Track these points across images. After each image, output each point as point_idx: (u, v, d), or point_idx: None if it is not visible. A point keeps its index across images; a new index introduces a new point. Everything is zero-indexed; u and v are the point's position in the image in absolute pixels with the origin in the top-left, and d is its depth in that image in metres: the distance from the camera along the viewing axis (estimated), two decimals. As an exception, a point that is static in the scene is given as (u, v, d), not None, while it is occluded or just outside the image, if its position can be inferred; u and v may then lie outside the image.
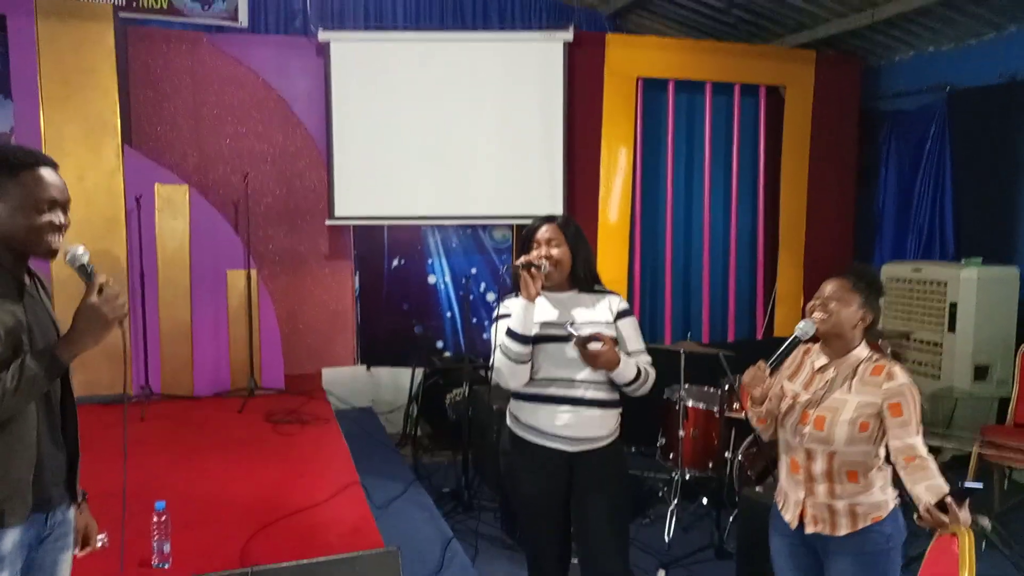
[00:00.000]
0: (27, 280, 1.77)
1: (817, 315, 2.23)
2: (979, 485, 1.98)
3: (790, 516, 2.28)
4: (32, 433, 1.69)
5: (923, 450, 2.10)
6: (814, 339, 2.27)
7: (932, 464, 2.07)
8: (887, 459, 2.19)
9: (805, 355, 2.35)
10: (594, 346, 2.36)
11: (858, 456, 2.16)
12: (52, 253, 1.72)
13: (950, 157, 5.70)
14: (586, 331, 2.42)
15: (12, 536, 1.68)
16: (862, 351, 2.24)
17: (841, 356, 2.24)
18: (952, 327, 5.18)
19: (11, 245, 1.69)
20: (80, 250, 1.72)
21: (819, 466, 2.20)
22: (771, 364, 2.25)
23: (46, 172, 1.70)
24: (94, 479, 1.90)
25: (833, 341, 2.25)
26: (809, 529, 2.23)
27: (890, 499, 2.20)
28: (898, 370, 2.17)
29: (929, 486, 2.01)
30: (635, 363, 2.46)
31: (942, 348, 5.26)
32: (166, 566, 2.87)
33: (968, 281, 5.10)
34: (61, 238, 1.72)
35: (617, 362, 2.39)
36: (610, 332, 2.48)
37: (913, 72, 6.09)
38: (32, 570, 1.79)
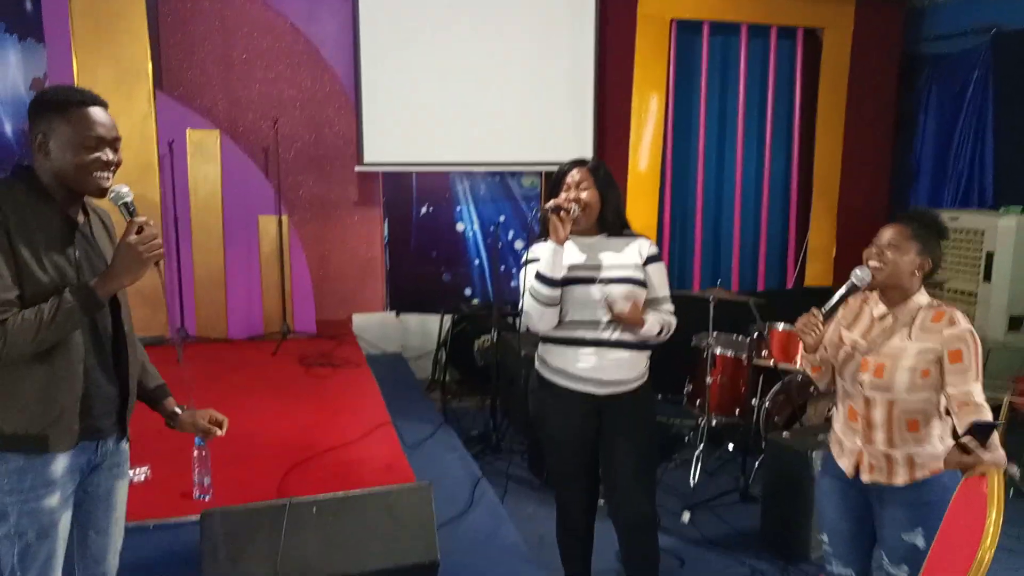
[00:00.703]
0: (81, 219, 1.81)
1: (873, 263, 2.18)
2: (994, 422, 1.95)
3: (847, 464, 2.26)
4: (79, 364, 1.74)
5: (979, 397, 2.05)
6: (871, 287, 2.22)
7: (986, 411, 2.03)
8: (948, 411, 2.16)
9: (864, 303, 2.31)
10: (620, 307, 2.38)
11: (919, 404, 2.13)
12: (102, 191, 1.75)
13: (992, 102, 5.54)
14: (615, 274, 2.45)
15: (62, 461, 1.75)
16: (922, 297, 2.19)
17: (900, 304, 2.19)
18: (988, 277, 5.10)
19: (63, 182, 1.73)
20: (124, 189, 1.77)
21: (879, 414, 2.18)
22: (825, 312, 2.21)
23: (94, 111, 1.73)
24: (136, 416, 1.96)
25: (891, 289, 2.20)
26: (865, 478, 2.21)
27: None
28: (960, 316, 2.12)
29: (972, 422, 1.95)
30: (658, 320, 2.47)
31: (976, 298, 5.19)
32: (207, 498, 2.98)
33: (1007, 229, 5.00)
34: (111, 176, 1.76)
35: (641, 323, 2.41)
36: (638, 275, 2.49)
37: (957, 14, 5.88)
38: (88, 496, 1.87)
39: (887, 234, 2.19)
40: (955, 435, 2.12)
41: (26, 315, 1.62)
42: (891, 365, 2.15)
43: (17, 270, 1.64)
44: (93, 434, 1.81)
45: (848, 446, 2.27)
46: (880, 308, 2.25)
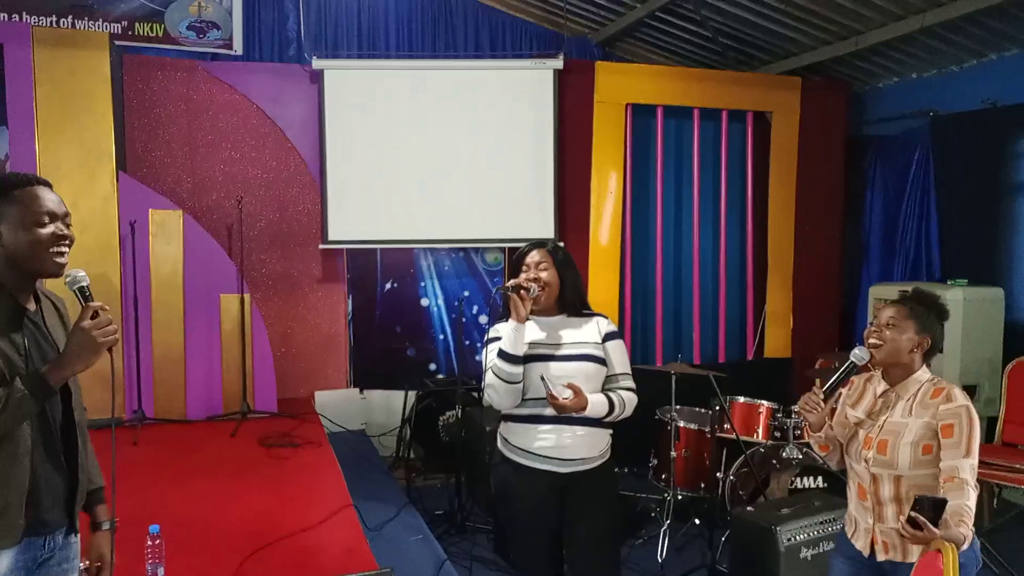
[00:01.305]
0: (32, 306, 1.79)
1: (871, 341, 2.23)
2: (943, 498, 1.99)
3: (862, 544, 2.27)
4: (25, 456, 1.69)
5: (965, 472, 2.07)
6: (872, 365, 2.27)
7: (969, 489, 2.05)
8: None
9: (867, 382, 2.36)
10: (559, 393, 2.37)
11: (925, 480, 2.15)
12: (59, 268, 1.74)
13: (934, 180, 5.80)
14: (574, 351, 2.50)
15: (6, 557, 1.69)
16: (923, 374, 2.24)
17: (901, 381, 2.24)
18: (940, 348, 5.24)
19: (16, 264, 1.71)
20: (80, 274, 1.77)
21: (886, 491, 2.20)
22: (825, 390, 2.26)
23: (40, 188, 1.74)
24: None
25: (892, 367, 2.25)
26: (881, 556, 2.22)
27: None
28: (957, 392, 2.16)
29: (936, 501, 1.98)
30: (606, 399, 2.48)
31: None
32: (160, 590, 2.86)
33: (954, 302, 5.16)
34: (66, 252, 1.75)
35: (584, 408, 2.40)
36: (598, 352, 2.53)
37: (897, 97, 6.22)
38: None
39: (886, 313, 2.25)
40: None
41: None
42: (893, 441, 2.18)
43: None
44: (40, 528, 1.75)
45: (862, 525, 2.28)
46: (882, 385, 2.30)
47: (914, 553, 2.16)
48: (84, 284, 1.76)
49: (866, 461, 2.24)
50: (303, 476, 4.33)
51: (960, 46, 5.38)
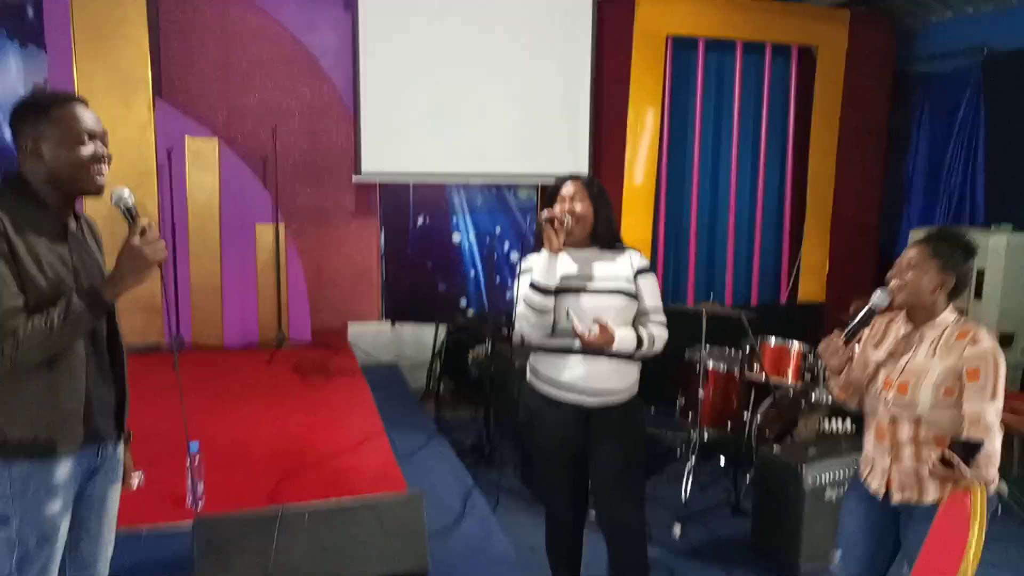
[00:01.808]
0: (73, 224, 1.82)
1: (893, 283, 2.19)
2: (978, 440, 1.97)
3: (877, 484, 2.27)
4: (81, 369, 1.76)
5: (991, 416, 2.05)
6: (893, 307, 2.23)
7: (994, 433, 2.03)
8: None
9: (890, 323, 2.32)
10: (587, 328, 2.37)
11: (944, 422, 2.13)
12: (99, 187, 1.76)
13: (984, 122, 5.61)
14: (606, 286, 2.49)
15: (65, 466, 1.76)
16: (948, 315, 2.18)
17: (925, 322, 2.19)
18: (979, 293, 5.14)
19: (58, 184, 1.73)
20: (126, 192, 1.78)
21: (905, 432, 2.19)
22: (846, 334, 2.24)
23: (78, 107, 1.74)
24: (131, 422, 1.98)
25: (915, 309, 2.21)
26: (896, 498, 2.22)
27: None
28: (984, 334, 2.11)
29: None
30: (634, 334, 2.48)
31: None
32: (200, 505, 2.98)
33: (997, 247, 5.05)
34: (106, 170, 1.77)
35: (610, 342, 2.40)
36: (629, 287, 2.53)
37: (950, 34, 5.96)
38: (83, 501, 1.87)
39: (908, 254, 2.20)
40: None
41: (35, 322, 1.63)
42: (914, 383, 2.15)
43: (20, 279, 1.64)
44: (95, 437, 1.83)
45: (879, 465, 2.28)
46: (906, 326, 2.26)
47: (930, 494, 2.16)
48: (131, 203, 1.78)
49: (886, 402, 2.22)
50: (337, 403, 4.44)
51: (1022, -21, 5.12)
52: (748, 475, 4.11)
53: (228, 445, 3.64)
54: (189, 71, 5.72)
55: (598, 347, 2.41)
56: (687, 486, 4.15)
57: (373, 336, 6.19)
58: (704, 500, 4.10)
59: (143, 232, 1.70)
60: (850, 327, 2.25)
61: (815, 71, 6.19)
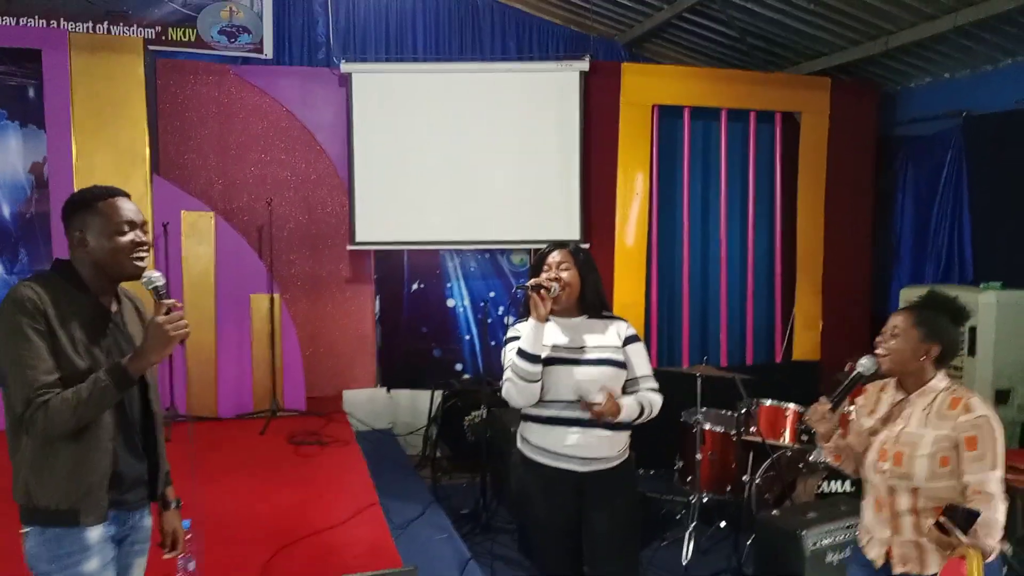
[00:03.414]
0: (115, 307, 1.97)
1: (879, 351, 2.20)
2: (976, 511, 1.95)
3: (875, 555, 2.24)
4: (108, 442, 1.87)
5: (993, 486, 2.02)
6: (883, 375, 2.24)
7: (997, 503, 2.01)
8: None
9: (882, 391, 2.31)
10: (596, 400, 2.40)
11: (943, 492, 2.09)
12: (138, 271, 1.92)
13: (967, 182, 5.71)
14: (597, 356, 2.51)
15: (96, 532, 1.86)
16: (939, 382, 2.18)
17: (916, 389, 2.19)
18: (972, 351, 5.16)
19: (102, 270, 1.90)
20: (156, 274, 1.92)
21: (903, 503, 2.16)
22: (833, 401, 2.24)
23: (120, 200, 1.91)
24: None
25: (904, 376, 2.21)
26: (897, 570, 2.17)
27: None
28: (976, 402, 2.10)
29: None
30: (637, 403, 2.51)
31: (963, 372, 5.23)
32: (191, 583, 2.93)
33: (987, 305, 5.08)
34: (146, 255, 1.93)
35: (618, 413, 2.44)
36: (619, 356, 2.55)
37: (929, 98, 6.13)
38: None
39: (892, 322, 2.20)
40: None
41: (65, 395, 1.75)
42: (909, 453, 2.13)
43: (56, 356, 1.78)
44: (122, 505, 1.93)
45: (878, 537, 2.24)
46: (898, 394, 2.25)
47: (932, 565, 2.12)
48: (159, 284, 1.90)
49: (882, 473, 2.19)
50: (330, 474, 4.40)
51: (994, 45, 5.29)
52: (749, 540, 4.05)
53: (221, 520, 3.59)
54: (186, 147, 5.85)
55: (606, 417, 2.42)
56: (688, 551, 4.09)
57: (368, 402, 6.16)
58: (706, 565, 4.03)
59: (168, 311, 1.83)
60: (836, 394, 2.26)
61: (799, 136, 6.33)
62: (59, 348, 1.78)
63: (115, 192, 1.92)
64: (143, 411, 1.99)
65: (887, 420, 2.25)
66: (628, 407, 2.48)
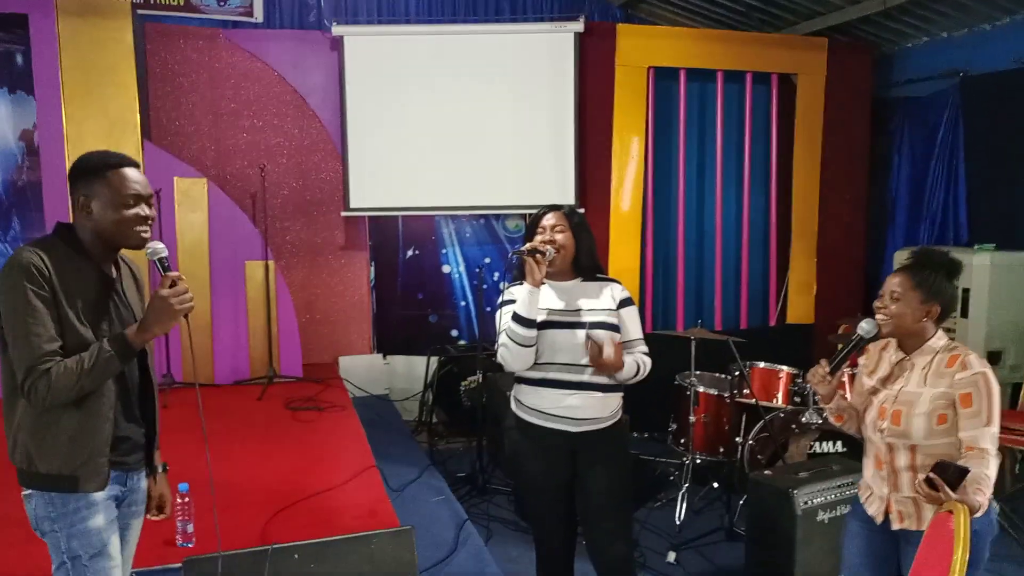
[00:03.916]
0: (114, 272, 1.96)
1: (879, 316, 2.21)
2: (963, 467, 1.98)
3: (874, 510, 2.28)
4: (109, 410, 1.88)
5: (986, 442, 2.06)
6: (883, 337, 2.25)
7: (990, 459, 2.05)
8: None
9: (883, 350, 2.33)
10: (607, 352, 2.44)
11: (941, 448, 2.13)
12: (141, 243, 1.90)
13: (963, 143, 5.69)
14: (592, 319, 2.52)
15: (100, 495, 1.89)
16: (937, 341, 2.20)
17: (916, 349, 2.21)
18: (964, 313, 5.18)
19: (104, 238, 1.88)
20: (160, 246, 1.91)
21: (902, 460, 2.19)
22: (832, 364, 2.26)
23: (129, 171, 1.89)
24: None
25: (905, 336, 2.23)
26: (895, 525, 2.22)
27: None
28: (973, 359, 2.12)
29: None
30: (633, 362, 2.55)
31: (955, 334, 5.27)
32: (190, 545, 2.97)
33: (981, 267, 5.09)
34: (149, 228, 1.91)
35: (621, 366, 2.48)
36: (613, 319, 2.56)
37: (926, 58, 6.07)
38: None
39: (891, 284, 2.21)
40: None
41: (68, 364, 1.76)
42: (907, 412, 2.16)
43: (59, 323, 1.78)
44: (122, 468, 1.96)
45: (877, 493, 2.28)
46: (898, 353, 2.27)
47: (929, 519, 2.16)
48: (163, 255, 1.89)
49: (881, 431, 2.22)
50: (328, 438, 4.43)
51: (992, 3, 5.22)
52: (741, 500, 4.11)
53: (219, 484, 3.60)
54: (177, 113, 5.79)
55: (610, 370, 2.46)
56: (681, 512, 4.16)
57: (365, 369, 6.19)
58: (698, 526, 4.10)
59: (172, 284, 1.82)
60: (837, 357, 2.28)
61: (796, 97, 6.29)
62: (63, 315, 1.78)
63: (126, 161, 1.90)
64: (141, 377, 2.00)
65: (887, 379, 2.27)
66: (628, 365, 2.52)
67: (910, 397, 2.18)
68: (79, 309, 1.82)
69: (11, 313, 1.76)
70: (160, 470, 2.17)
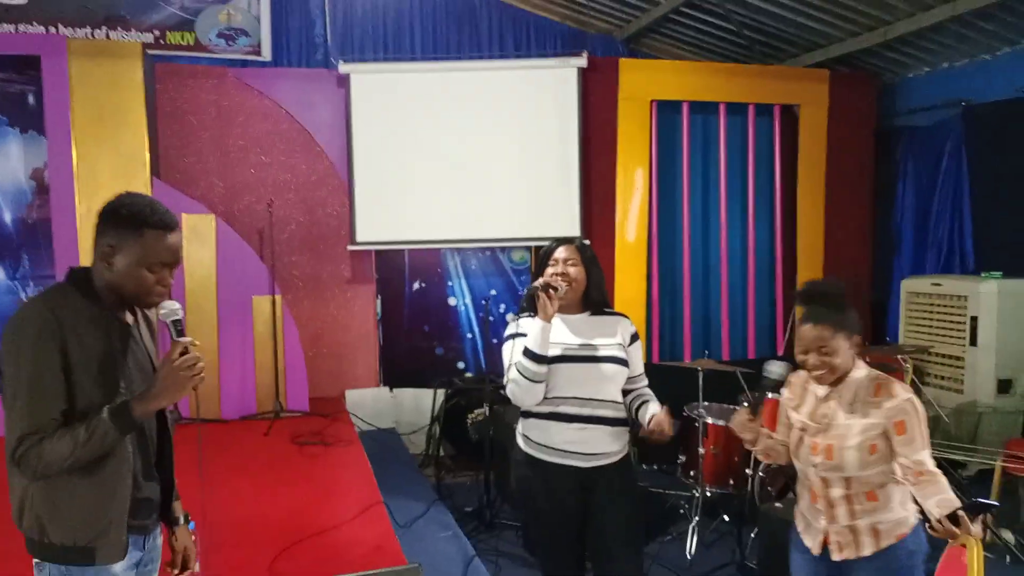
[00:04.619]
0: (130, 319, 1.84)
1: (817, 374, 2.18)
2: (993, 503, 1.98)
3: (811, 542, 2.28)
4: (128, 476, 1.76)
5: (931, 464, 2.08)
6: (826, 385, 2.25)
7: (941, 478, 2.07)
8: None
9: (807, 384, 2.32)
10: (665, 428, 2.46)
11: (874, 477, 2.15)
12: (153, 305, 1.81)
13: (967, 172, 5.71)
14: (606, 353, 2.54)
15: (118, 566, 1.76)
16: (859, 371, 2.21)
17: (839, 382, 2.21)
18: (974, 341, 5.16)
19: (117, 292, 1.76)
20: (175, 306, 1.79)
21: (836, 491, 2.19)
22: (751, 409, 2.30)
23: (169, 236, 1.75)
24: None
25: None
26: (836, 556, 2.21)
27: (911, 515, 2.18)
28: (897, 387, 2.15)
29: (939, 501, 2.00)
30: (657, 403, 2.58)
31: (964, 362, 5.23)
32: (196, 584, 2.94)
33: (988, 294, 5.08)
34: (164, 293, 1.79)
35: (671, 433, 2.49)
36: (622, 355, 2.56)
37: (928, 88, 6.12)
38: None
39: (811, 340, 2.16)
40: (917, 501, 2.13)
41: (62, 436, 1.63)
42: (838, 445, 2.16)
43: (69, 384, 1.66)
44: (141, 530, 1.84)
45: (814, 526, 2.28)
46: (822, 388, 2.26)
47: (866, 546, 2.17)
48: (178, 317, 1.78)
49: (814, 467, 2.21)
50: (334, 473, 4.41)
51: (993, 34, 5.28)
52: (753, 533, 4.06)
53: (227, 521, 3.60)
54: (186, 151, 5.87)
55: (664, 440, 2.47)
56: (691, 545, 4.10)
57: (371, 402, 6.18)
58: (710, 559, 4.04)
59: (183, 352, 1.71)
60: (753, 404, 2.31)
61: (798, 128, 6.33)
62: (74, 378, 1.66)
63: (168, 223, 1.74)
64: (157, 423, 1.89)
65: (814, 414, 2.26)
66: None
67: (840, 431, 2.17)
68: (93, 368, 1.69)
69: (13, 376, 1.64)
70: (182, 521, 2.02)
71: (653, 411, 2.52)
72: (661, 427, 2.45)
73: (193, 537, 2.92)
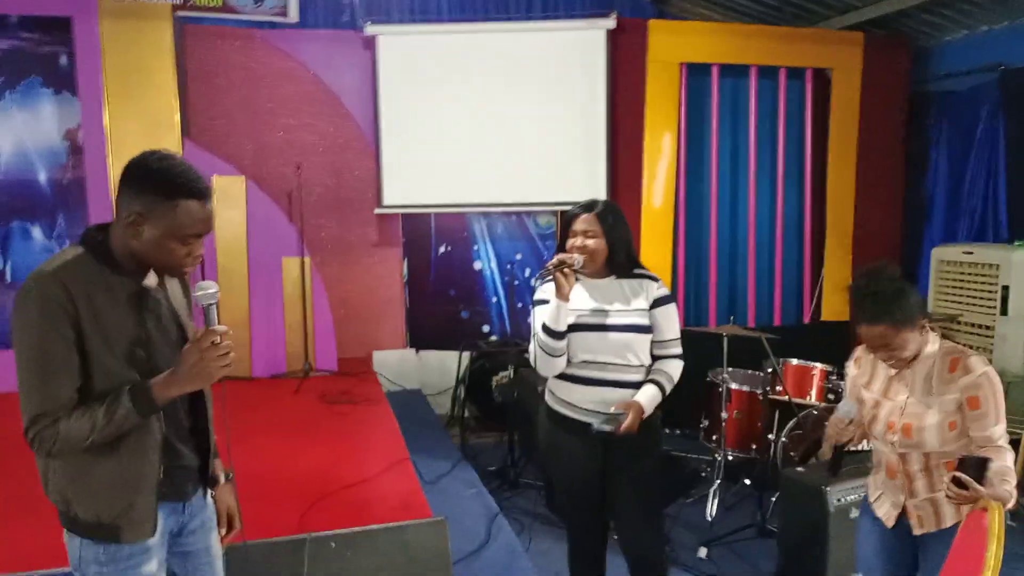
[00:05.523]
0: (153, 281, 1.72)
1: (892, 366, 2.17)
2: (985, 458, 1.98)
3: (884, 514, 2.28)
4: (154, 454, 1.69)
5: (1000, 439, 2.07)
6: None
7: (1005, 451, 2.05)
8: None
9: (877, 360, 2.28)
10: (624, 422, 2.43)
11: (953, 449, 2.12)
12: (183, 275, 1.76)
13: (1003, 138, 5.59)
14: (621, 321, 2.53)
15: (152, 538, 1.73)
16: (931, 347, 2.16)
17: (913, 359, 2.17)
18: (1004, 311, 5.10)
19: (141, 260, 1.66)
20: (212, 290, 1.68)
21: (915, 465, 2.19)
22: (832, 469, 2.35)
23: (200, 207, 1.63)
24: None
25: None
26: (917, 531, 2.21)
27: None
28: (974, 361, 2.10)
29: (995, 469, 1.97)
30: (657, 391, 2.53)
31: (994, 332, 5.18)
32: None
33: (1021, 263, 5.01)
34: (193, 265, 1.71)
35: (641, 415, 2.47)
36: (643, 321, 2.55)
37: (964, 52, 5.97)
38: (190, 557, 1.86)
39: (877, 339, 2.09)
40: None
41: (79, 417, 1.56)
42: (918, 424, 2.15)
43: (85, 362, 1.58)
44: (179, 496, 1.79)
45: (891, 499, 2.27)
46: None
47: (948, 517, 2.16)
48: (213, 302, 1.67)
49: (892, 444, 2.21)
50: (362, 431, 4.51)
51: (1034, -5, 5.13)
52: (774, 497, 4.10)
53: (258, 476, 3.70)
54: (215, 112, 5.90)
55: (634, 430, 2.44)
56: (712, 508, 4.16)
57: (398, 364, 6.27)
58: (730, 522, 4.09)
59: (214, 342, 1.61)
60: (833, 463, 2.35)
61: (830, 92, 6.22)
62: (91, 353, 1.58)
63: (201, 192, 1.62)
64: (192, 393, 1.76)
65: (887, 391, 2.25)
66: (648, 401, 2.50)
67: (918, 409, 2.15)
68: (111, 340, 1.60)
69: (22, 354, 1.56)
70: (223, 480, 1.95)
71: (637, 400, 2.48)
72: (630, 430, 2.42)
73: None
